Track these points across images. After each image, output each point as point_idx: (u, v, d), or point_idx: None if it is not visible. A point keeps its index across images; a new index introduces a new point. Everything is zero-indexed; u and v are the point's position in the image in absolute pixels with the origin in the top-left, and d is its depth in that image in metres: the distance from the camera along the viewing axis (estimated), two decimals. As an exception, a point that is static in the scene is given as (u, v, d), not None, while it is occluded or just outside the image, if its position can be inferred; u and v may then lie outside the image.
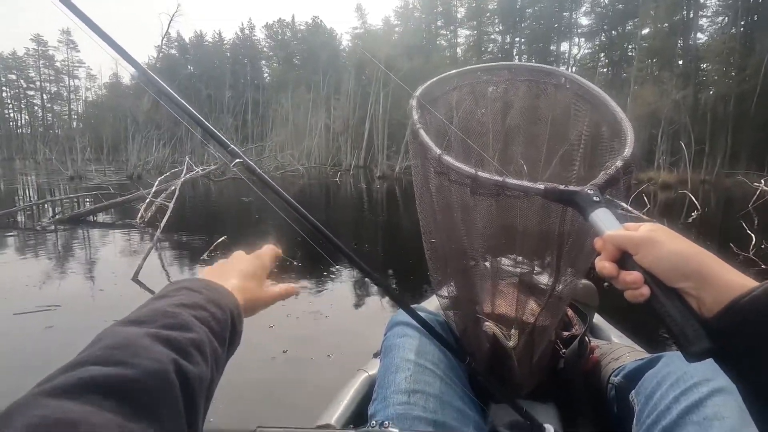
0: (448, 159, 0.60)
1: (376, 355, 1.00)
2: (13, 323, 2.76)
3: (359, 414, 0.86)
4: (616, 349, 0.92)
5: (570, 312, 1.10)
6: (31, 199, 10.41)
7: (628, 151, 0.58)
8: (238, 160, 0.59)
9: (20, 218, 6.89)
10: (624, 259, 0.43)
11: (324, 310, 2.84)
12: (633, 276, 0.41)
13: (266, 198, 0.61)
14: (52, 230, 5.91)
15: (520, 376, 0.73)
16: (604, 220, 0.47)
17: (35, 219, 6.87)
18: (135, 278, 3.57)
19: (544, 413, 0.86)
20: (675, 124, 21.59)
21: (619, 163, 0.56)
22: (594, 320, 1.22)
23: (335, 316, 2.77)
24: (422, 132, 0.68)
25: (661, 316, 0.39)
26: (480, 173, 0.57)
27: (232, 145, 0.60)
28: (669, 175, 18.46)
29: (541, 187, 0.54)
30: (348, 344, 2.33)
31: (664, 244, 0.40)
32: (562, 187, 0.53)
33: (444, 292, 0.82)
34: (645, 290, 0.40)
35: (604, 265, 0.44)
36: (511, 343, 0.68)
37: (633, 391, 0.67)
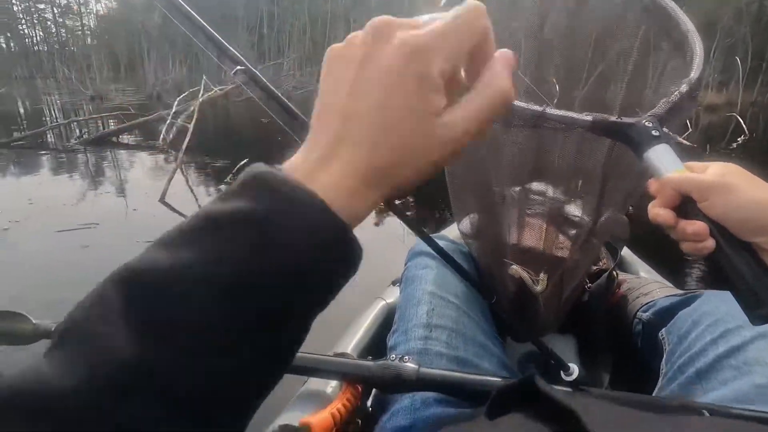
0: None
1: (394, 283, 0.99)
2: (56, 240, 2.93)
3: (377, 344, 0.85)
4: (646, 284, 0.89)
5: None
6: (57, 119, 10.53)
7: (695, 74, 0.49)
8: (239, 67, 0.53)
9: (49, 138, 7.04)
10: (685, 205, 0.37)
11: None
12: (696, 226, 0.36)
13: (270, 112, 0.57)
14: (81, 150, 6.03)
15: (546, 319, 0.72)
16: (663, 159, 0.40)
17: (63, 139, 7.00)
18: (162, 200, 3.68)
19: (563, 346, 0.86)
20: (732, 38, 19.42)
21: (684, 89, 0.48)
22: (622, 253, 1.19)
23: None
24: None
25: (726, 272, 0.35)
26: (516, 102, 0.50)
27: (233, 50, 0.54)
28: (717, 96, 17.04)
29: (589, 118, 0.47)
30: (367, 271, 2.30)
31: (742, 191, 0.34)
32: (614, 118, 0.46)
33: (466, 226, 0.78)
34: (710, 243, 0.35)
35: (658, 212, 0.39)
36: (539, 288, 0.66)
37: (663, 329, 0.65)
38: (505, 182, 0.72)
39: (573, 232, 0.75)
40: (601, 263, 1.00)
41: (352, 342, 0.83)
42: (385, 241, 2.89)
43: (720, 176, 0.36)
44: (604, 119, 0.47)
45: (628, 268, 1.13)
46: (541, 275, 0.66)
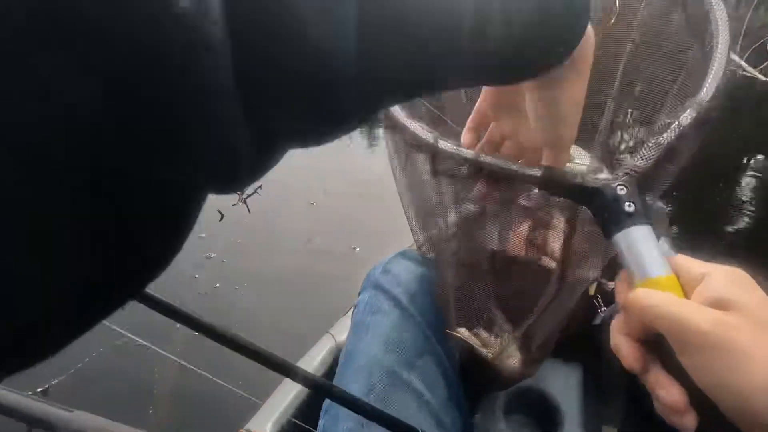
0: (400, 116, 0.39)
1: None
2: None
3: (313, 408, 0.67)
4: None
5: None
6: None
7: (706, 92, 0.33)
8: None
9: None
10: (660, 343, 0.24)
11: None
12: (672, 396, 0.24)
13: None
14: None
15: (519, 368, 0.58)
16: (638, 252, 0.27)
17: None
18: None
19: (566, 378, 0.74)
20: None
21: (685, 118, 0.32)
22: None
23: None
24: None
25: None
26: (441, 142, 0.36)
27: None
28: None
29: (536, 173, 0.33)
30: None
31: (750, 359, 0.21)
32: (572, 175, 0.32)
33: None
34: (690, 420, 0.23)
35: (620, 346, 0.26)
36: (489, 354, 0.51)
37: None
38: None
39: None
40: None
41: (276, 411, 0.67)
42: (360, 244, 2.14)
43: (720, 324, 0.22)
44: (557, 177, 0.33)
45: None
46: (493, 339, 0.52)
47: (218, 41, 0.12)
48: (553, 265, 0.47)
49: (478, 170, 0.36)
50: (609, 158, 0.57)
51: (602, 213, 0.30)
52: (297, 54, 0.14)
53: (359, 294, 0.61)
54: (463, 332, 0.50)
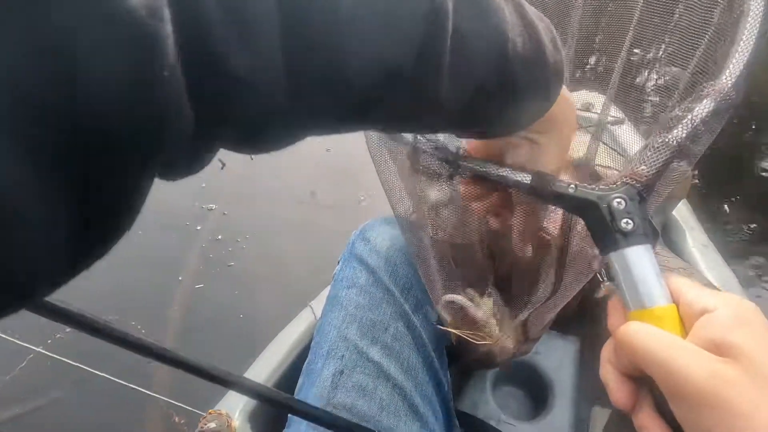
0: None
1: None
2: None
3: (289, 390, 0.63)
4: (687, 276, 0.68)
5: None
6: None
7: (729, 76, 0.27)
8: None
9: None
10: (652, 382, 0.22)
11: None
12: None
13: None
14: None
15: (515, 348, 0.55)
16: (634, 275, 0.24)
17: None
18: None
19: (561, 351, 0.72)
20: None
21: (701, 111, 0.27)
22: (674, 212, 0.94)
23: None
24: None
25: None
26: (422, 140, 0.32)
27: None
28: None
29: (526, 180, 0.29)
30: (306, 258, 1.64)
31: (747, 423, 0.18)
32: (564, 185, 0.28)
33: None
34: None
35: (608, 378, 0.25)
36: (480, 313, 0.46)
37: None
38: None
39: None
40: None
41: (242, 397, 0.62)
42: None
43: (716, 377, 0.19)
44: (548, 184, 0.28)
45: (674, 240, 0.89)
46: (484, 298, 0.48)
47: (168, 47, 0.13)
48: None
49: (463, 172, 0.32)
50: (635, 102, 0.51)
51: (596, 228, 0.27)
52: (224, 85, 0.16)
53: (338, 262, 0.56)
54: (454, 298, 0.45)
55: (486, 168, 0.30)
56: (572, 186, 0.27)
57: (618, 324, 0.24)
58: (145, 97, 0.13)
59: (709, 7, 0.32)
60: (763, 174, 2.04)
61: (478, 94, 0.23)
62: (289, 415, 0.47)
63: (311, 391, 0.46)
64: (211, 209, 1.61)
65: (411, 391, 0.46)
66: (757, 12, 0.27)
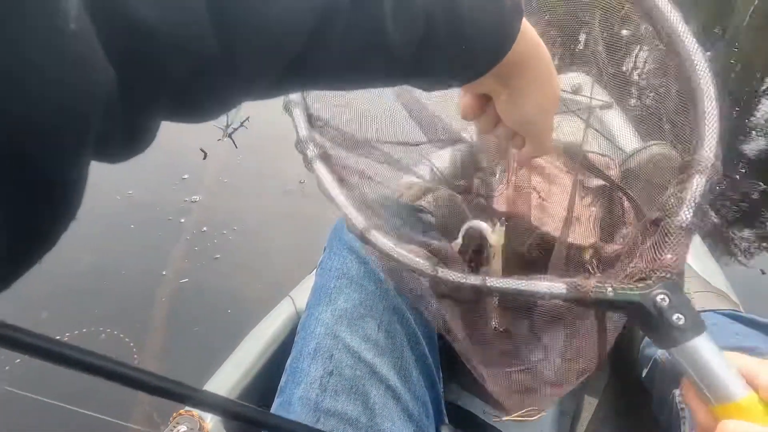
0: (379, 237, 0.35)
1: None
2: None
3: (267, 383, 0.58)
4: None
5: (626, 204, 0.84)
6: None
7: (709, 150, 0.28)
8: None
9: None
10: None
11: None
12: None
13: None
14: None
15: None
16: (707, 368, 0.25)
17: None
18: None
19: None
20: None
21: (696, 191, 0.27)
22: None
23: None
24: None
25: None
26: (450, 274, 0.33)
27: None
28: None
29: (561, 289, 0.29)
30: (287, 247, 1.61)
31: None
32: (602, 288, 0.28)
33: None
34: None
35: None
36: (493, 239, 0.48)
37: (677, 390, 0.48)
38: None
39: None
40: (623, 237, 0.79)
41: (230, 380, 0.59)
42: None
43: None
44: (587, 293, 0.28)
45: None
46: (497, 226, 0.49)
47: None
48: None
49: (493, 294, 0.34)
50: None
51: (647, 325, 0.27)
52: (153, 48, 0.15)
53: (324, 250, 0.53)
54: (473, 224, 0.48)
55: (517, 287, 0.30)
56: (610, 290, 0.27)
57: (707, 421, 0.25)
58: (57, 54, 0.12)
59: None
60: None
61: (428, 31, 0.23)
62: (280, 384, 0.45)
63: (296, 392, 0.43)
64: (195, 201, 1.57)
65: (404, 392, 0.44)
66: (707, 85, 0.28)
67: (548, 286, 0.29)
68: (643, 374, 0.60)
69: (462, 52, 0.26)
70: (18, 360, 1.02)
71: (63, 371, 0.19)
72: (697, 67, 0.29)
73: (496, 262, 0.51)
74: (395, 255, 0.34)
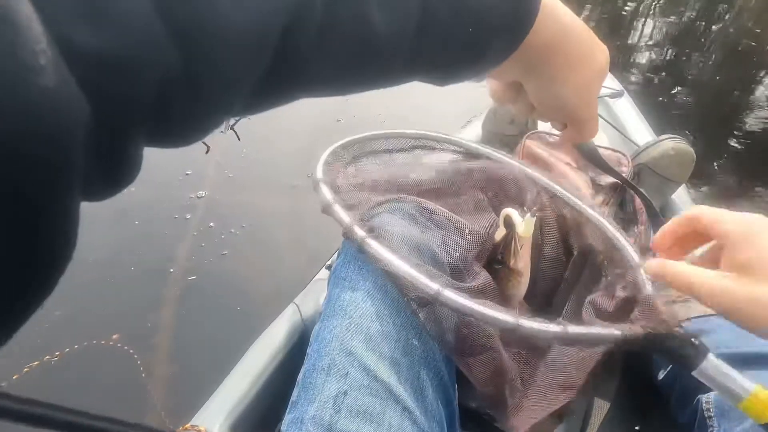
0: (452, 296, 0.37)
1: (330, 269, 0.61)
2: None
3: (271, 408, 0.57)
4: None
5: (637, 203, 0.83)
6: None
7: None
8: None
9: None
10: None
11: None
12: None
13: None
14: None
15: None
16: (722, 378, 0.33)
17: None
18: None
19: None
20: None
21: None
22: (673, 196, 0.94)
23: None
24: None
25: None
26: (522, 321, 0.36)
27: None
28: None
29: (617, 333, 0.36)
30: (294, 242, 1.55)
31: None
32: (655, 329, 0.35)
33: None
34: None
35: None
36: (521, 229, 0.48)
37: (704, 396, 0.47)
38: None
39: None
40: (634, 236, 0.78)
41: (236, 392, 0.57)
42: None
43: None
44: (640, 334, 0.35)
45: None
46: (528, 216, 0.48)
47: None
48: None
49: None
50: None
51: (673, 359, 0.35)
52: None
53: (338, 255, 0.51)
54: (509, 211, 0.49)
55: (581, 333, 0.35)
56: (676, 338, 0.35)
57: None
58: (25, 90, 0.11)
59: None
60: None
61: (424, 16, 0.21)
62: (291, 399, 0.44)
63: (309, 410, 0.41)
64: (201, 197, 1.57)
65: (421, 413, 0.43)
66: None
67: (602, 330, 0.35)
68: (660, 376, 0.60)
69: (469, 37, 0.23)
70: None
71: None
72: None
73: (525, 257, 0.49)
74: (477, 315, 0.37)
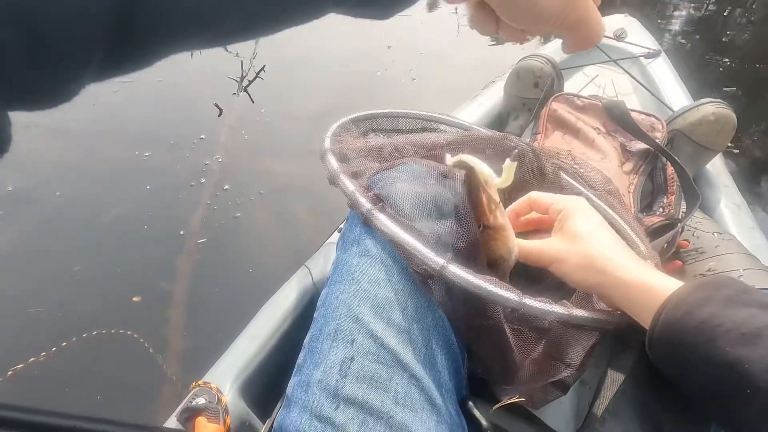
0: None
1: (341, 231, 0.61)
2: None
3: (278, 370, 0.57)
4: (725, 253, 0.64)
5: (669, 171, 0.78)
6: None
7: None
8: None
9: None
10: None
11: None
12: None
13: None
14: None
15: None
16: None
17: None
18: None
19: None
20: None
21: None
22: (708, 166, 0.88)
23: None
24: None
25: None
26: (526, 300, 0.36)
27: None
28: None
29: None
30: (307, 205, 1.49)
31: None
32: None
33: None
34: None
35: None
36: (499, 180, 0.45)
37: None
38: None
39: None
40: (663, 209, 0.73)
41: (246, 354, 0.57)
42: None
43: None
44: None
45: (706, 195, 0.83)
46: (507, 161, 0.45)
47: None
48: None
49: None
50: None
51: None
52: None
53: (347, 219, 0.49)
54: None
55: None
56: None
57: None
58: None
59: None
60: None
61: None
62: (298, 362, 0.44)
63: (315, 374, 0.41)
64: (219, 160, 1.55)
65: (428, 380, 0.42)
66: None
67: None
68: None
69: None
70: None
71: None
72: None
73: (501, 214, 0.44)
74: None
